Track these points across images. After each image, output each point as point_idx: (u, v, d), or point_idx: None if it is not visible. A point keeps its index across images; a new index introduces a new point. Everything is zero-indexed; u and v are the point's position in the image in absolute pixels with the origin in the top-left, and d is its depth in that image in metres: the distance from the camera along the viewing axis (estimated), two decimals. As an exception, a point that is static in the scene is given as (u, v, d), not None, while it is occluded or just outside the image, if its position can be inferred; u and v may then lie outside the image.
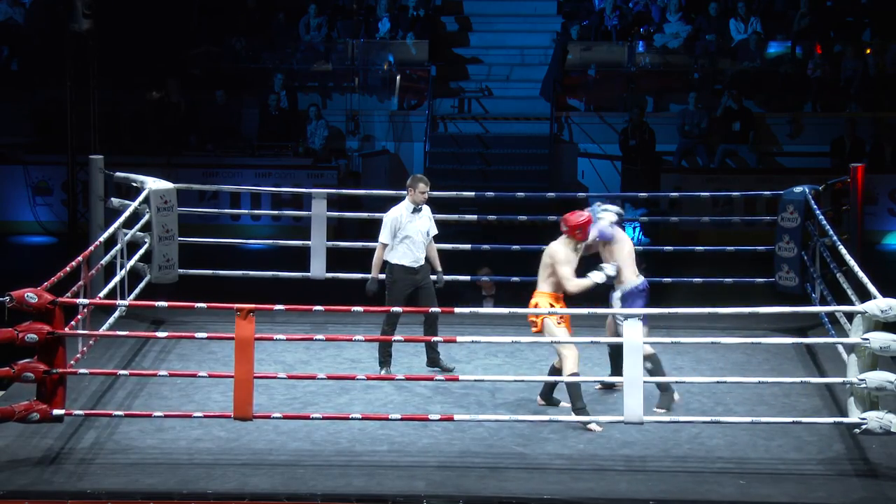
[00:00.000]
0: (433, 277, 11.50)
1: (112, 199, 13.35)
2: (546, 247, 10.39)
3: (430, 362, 11.45)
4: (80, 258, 10.80)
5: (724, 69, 21.12)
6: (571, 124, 20.88)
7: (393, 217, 11.34)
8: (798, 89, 20.83)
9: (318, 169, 19.64)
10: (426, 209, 11.41)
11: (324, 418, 9.96)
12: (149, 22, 20.40)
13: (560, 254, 10.34)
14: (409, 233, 11.32)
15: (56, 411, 9.44)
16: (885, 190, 19.09)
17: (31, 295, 9.31)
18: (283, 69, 21.07)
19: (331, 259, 13.35)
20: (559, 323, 10.22)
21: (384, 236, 11.35)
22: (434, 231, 11.48)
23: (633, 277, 10.57)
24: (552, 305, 10.27)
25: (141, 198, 12.62)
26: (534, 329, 10.34)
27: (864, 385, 9.37)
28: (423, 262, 11.36)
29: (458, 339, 10.16)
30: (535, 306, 10.32)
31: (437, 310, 10.65)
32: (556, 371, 10.45)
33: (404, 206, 11.33)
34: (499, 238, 14.89)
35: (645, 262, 11.18)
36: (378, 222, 11.54)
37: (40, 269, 10.76)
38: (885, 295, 9.54)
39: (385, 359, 11.33)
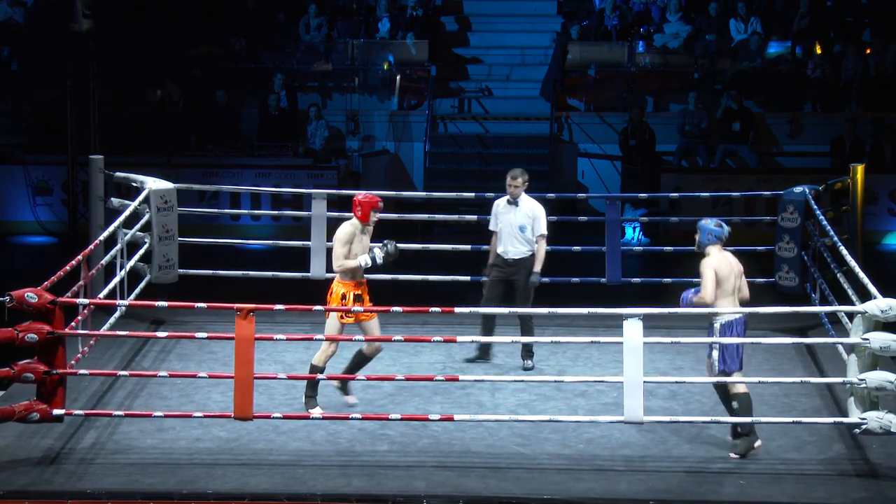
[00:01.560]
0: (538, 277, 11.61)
1: (112, 199, 13.35)
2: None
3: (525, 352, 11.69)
4: (79, 257, 10.81)
5: (724, 69, 21.11)
6: (571, 124, 20.87)
7: (493, 205, 11.70)
8: (798, 89, 20.82)
9: (318, 169, 19.63)
10: (529, 205, 11.54)
11: (324, 418, 9.96)
12: (149, 22, 20.39)
13: (338, 233, 10.32)
14: (501, 223, 11.58)
15: (56, 411, 9.44)
16: (885, 190, 19.08)
17: (31, 295, 9.31)
18: (283, 69, 21.06)
19: (331, 259, 13.32)
20: (342, 316, 10.21)
21: (490, 224, 11.73)
22: (539, 230, 11.51)
23: (730, 308, 9.71)
24: (346, 294, 10.26)
25: (141, 198, 12.62)
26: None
27: (864, 385, 9.37)
28: (517, 256, 11.52)
29: (458, 339, 10.16)
30: (331, 293, 10.34)
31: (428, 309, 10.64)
32: (361, 357, 10.42)
33: (505, 197, 11.61)
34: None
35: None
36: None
37: (40, 269, 10.76)
38: (885, 295, 9.54)
39: (482, 353, 11.68)
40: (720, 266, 9.70)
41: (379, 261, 10.33)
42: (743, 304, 9.80)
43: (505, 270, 11.53)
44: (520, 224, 11.49)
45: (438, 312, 9.96)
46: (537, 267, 11.53)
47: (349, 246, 10.30)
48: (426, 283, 11.95)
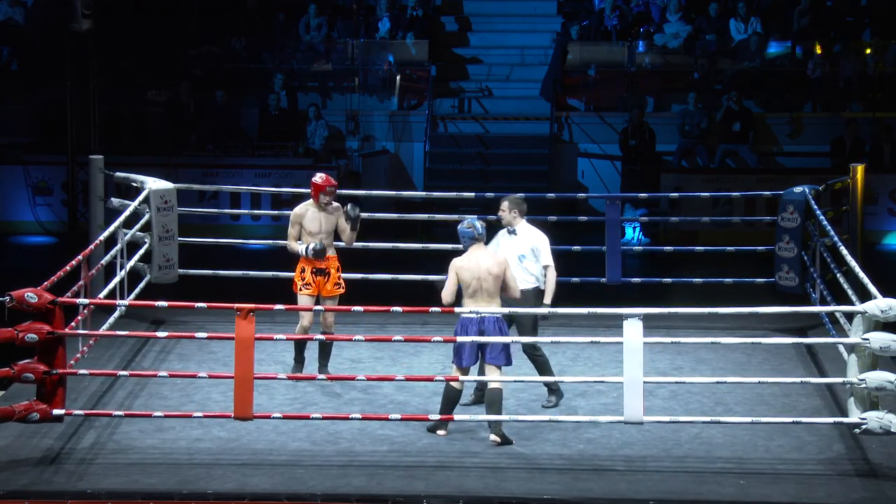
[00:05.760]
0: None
1: (112, 199, 13.35)
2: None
3: None
4: (79, 258, 10.81)
5: (724, 69, 21.12)
6: (571, 124, 20.88)
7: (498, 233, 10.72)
8: (798, 89, 20.84)
9: (318, 169, 19.62)
10: (528, 234, 10.54)
11: (324, 418, 9.96)
12: (149, 22, 20.40)
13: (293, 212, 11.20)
14: (503, 252, 10.42)
15: (56, 411, 9.44)
16: (885, 190, 19.10)
17: (31, 295, 9.31)
18: (283, 69, 21.07)
19: (332, 259, 13.32)
20: (300, 289, 10.97)
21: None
22: (544, 260, 10.48)
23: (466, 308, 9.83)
24: (303, 269, 11.01)
25: (141, 198, 12.62)
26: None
27: (864, 385, 9.37)
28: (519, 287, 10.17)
29: (458, 338, 10.15)
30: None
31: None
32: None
33: (506, 228, 10.65)
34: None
35: None
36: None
37: (40, 269, 10.76)
38: (885, 295, 9.54)
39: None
40: (462, 268, 9.82)
41: (308, 254, 10.97)
42: (507, 302, 9.99)
43: (508, 303, 10.36)
44: (519, 254, 10.50)
45: (438, 312, 9.97)
46: (547, 300, 10.48)
47: (297, 226, 11.12)
48: (426, 283, 11.94)
